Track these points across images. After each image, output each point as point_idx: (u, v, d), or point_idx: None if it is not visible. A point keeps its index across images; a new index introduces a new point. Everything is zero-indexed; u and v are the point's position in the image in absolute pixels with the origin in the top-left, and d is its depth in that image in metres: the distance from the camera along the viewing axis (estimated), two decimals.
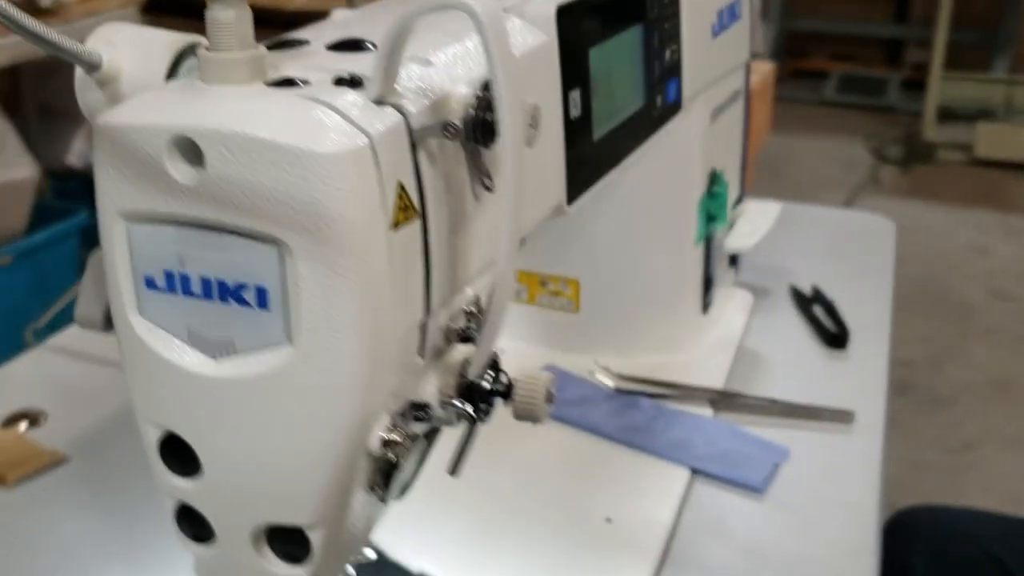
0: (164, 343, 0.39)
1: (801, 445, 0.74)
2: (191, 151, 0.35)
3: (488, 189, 0.43)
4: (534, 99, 0.48)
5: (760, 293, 0.97)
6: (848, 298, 0.94)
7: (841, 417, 0.76)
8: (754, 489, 0.69)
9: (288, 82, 0.38)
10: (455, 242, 0.42)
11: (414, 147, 0.38)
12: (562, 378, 0.81)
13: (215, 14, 0.37)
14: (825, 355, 0.87)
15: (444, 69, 0.42)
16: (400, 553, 0.62)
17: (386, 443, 0.40)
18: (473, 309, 0.46)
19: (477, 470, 0.66)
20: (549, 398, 0.45)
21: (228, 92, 0.37)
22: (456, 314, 0.45)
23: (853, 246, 1.09)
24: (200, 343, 0.39)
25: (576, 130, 0.53)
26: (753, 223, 0.89)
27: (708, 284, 0.87)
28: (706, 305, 0.87)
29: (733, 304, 0.94)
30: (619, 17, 0.58)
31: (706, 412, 0.77)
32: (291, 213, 0.35)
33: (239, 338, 0.38)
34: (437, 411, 0.43)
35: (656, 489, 0.69)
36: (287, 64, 0.40)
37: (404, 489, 0.44)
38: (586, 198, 0.55)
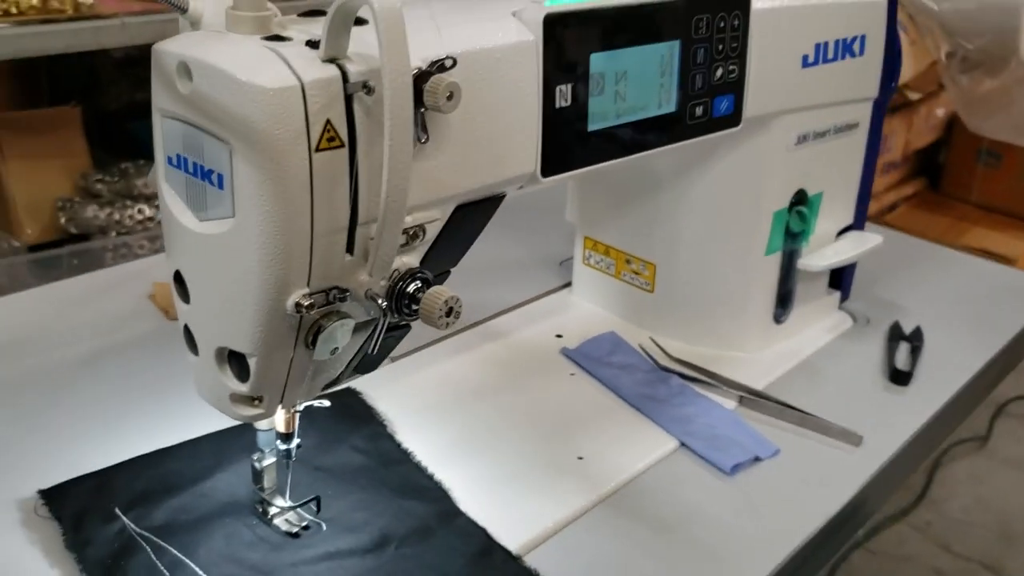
0: (176, 204, 0.57)
1: (797, 451, 0.80)
2: (187, 73, 0.52)
3: (420, 141, 0.56)
4: (506, 83, 0.61)
5: (862, 321, 1.01)
6: (948, 347, 0.96)
7: (849, 437, 0.81)
8: (722, 471, 0.77)
9: (278, 38, 0.54)
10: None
11: (349, 97, 0.53)
12: (616, 344, 0.92)
13: None
14: (883, 388, 0.90)
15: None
16: (404, 437, 0.77)
17: (298, 305, 0.55)
18: (413, 233, 0.60)
19: (501, 392, 0.80)
20: (448, 313, 0.58)
21: (228, 38, 0.53)
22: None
23: (992, 301, 1.08)
24: (192, 207, 0.56)
25: (563, 118, 0.65)
26: (839, 250, 0.94)
27: (786, 297, 0.93)
28: (779, 316, 0.94)
29: (823, 323, 0.99)
30: (643, 33, 0.68)
31: (729, 404, 0.85)
32: (237, 124, 0.51)
33: (210, 207, 0.55)
34: (358, 298, 0.58)
35: (637, 447, 0.79)
36: (291, 26, 0.56)
37: (333, 352, 0.59)
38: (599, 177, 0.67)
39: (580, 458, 0.77)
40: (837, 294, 1.02)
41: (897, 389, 0.90)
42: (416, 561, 0.64)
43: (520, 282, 1.06)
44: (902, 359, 0.94)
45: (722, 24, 0.74)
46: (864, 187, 0.98)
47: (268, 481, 0.67)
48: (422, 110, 0.55)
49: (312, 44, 0.53)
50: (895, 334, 0.98)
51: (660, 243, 0.92)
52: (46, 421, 0.78)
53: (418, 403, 0.82)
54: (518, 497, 0.72)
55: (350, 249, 0.57)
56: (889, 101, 0.99)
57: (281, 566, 0.63)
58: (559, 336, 0.94)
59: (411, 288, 0.59)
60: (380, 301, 0.58)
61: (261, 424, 0.66)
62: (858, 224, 1.00)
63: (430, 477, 0.72)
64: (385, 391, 0.83)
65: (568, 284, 1.04)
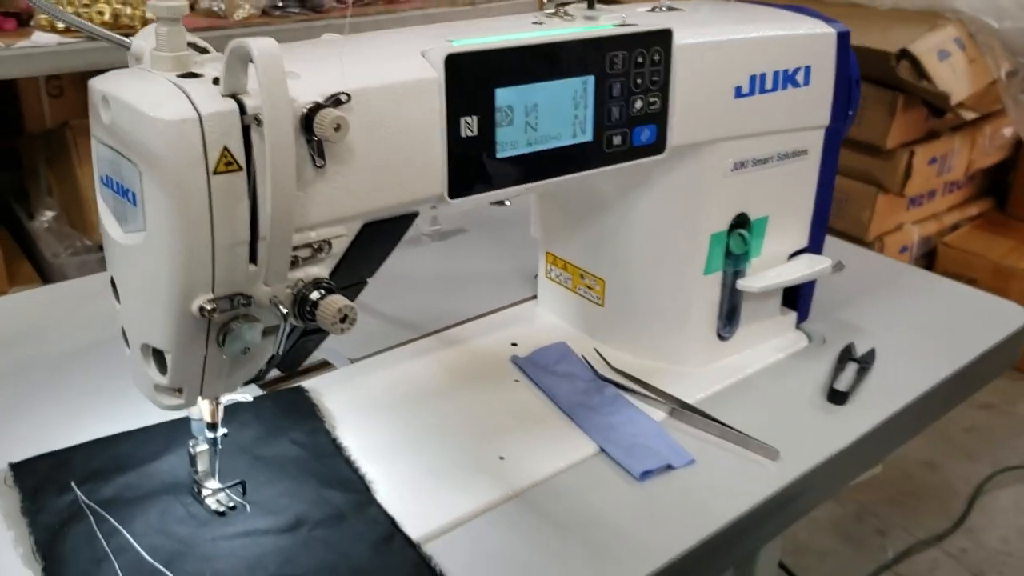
0: (107, 218, 0.65)
1: (712, 462, 0.85)
2: (107, 104, 0.61)
3: (316, 166, 0.64)
4: (408, 115, 0.68)
5: (817, 341, 1.05)
6: (898, 370, 0.99)
7: (766, 452, 0.86)
8: (633, 477, 0.82)
9: (192, 75, 0.62)
10: (296, 196, 0.64)
11: (247, 127, 0.60)
12: (563, 354, 0.98)
13: (157, 28, 0.62)
14: (818, 407, 0.94)
15: (305, 83, 0.63)
16: (342, 433, 0.84)
17: (202, 309, 0.63)
18: (318, 247, 0.67)
19: (444, 396, 0.87)
20: (343, 320, 0.65)
21: (144, 75, 0.61)
22: (300, 247, 0.66)
23: (958, 326, 1.10)
24: (119, 220, 0.64)
25: (470, 146, 0.72)
26: (782, 272, 0.98)
27: (731, 314, 0.98)
28: (724, 333, 0.98)
29: (775, 342, 1.03)
30: (553, 69, 0.74)
31: (659, 415, 0.90)
32: (144, 151, 0.59)
33: (129, 221, 0.63)
34: (263, 304, 0.65)
35: (558, 451, 0.84)
36: (207, 64, 0.64)
37: (244, 352, 0.67)
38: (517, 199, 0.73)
39: (501, 458, 0.83)
40: (793, 314, 1.05)
41: (832, 408, 0.93)
42: (323, 543, 0.71)
43: (492, 293, 1.12)
44: (846, 380, 0.97)
45: (640, 60, 0.80)
46: (819, 211, 1.02)
47: (202, 465, 0.75)
48: (315, 139, 0.63)
49: (217, 81, 0.61)
50: (846, 355, 1.02)
51: (608, 260, 0.98)
52: (29, 406, 0.88)
53: (364, 403, 0.89)
54: (434, 490, 0.79)
55: (253, 260, 0.64)
56: (847, 130, 1.02)
57: (203, 540, 0.71)
58: (514, 344, 1.01)
59: (313, 296, 0.66)
60: (281, 307, 0.65)
61: (194, 414, 0.74)
62: (813, 247, 1.03)
63: (356, 470, 0.79)
64: (335, 390, 0.90)
65: (535, 296, 1.10)
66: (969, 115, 2.70)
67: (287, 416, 0.85)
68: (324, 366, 0.97)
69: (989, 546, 2.25)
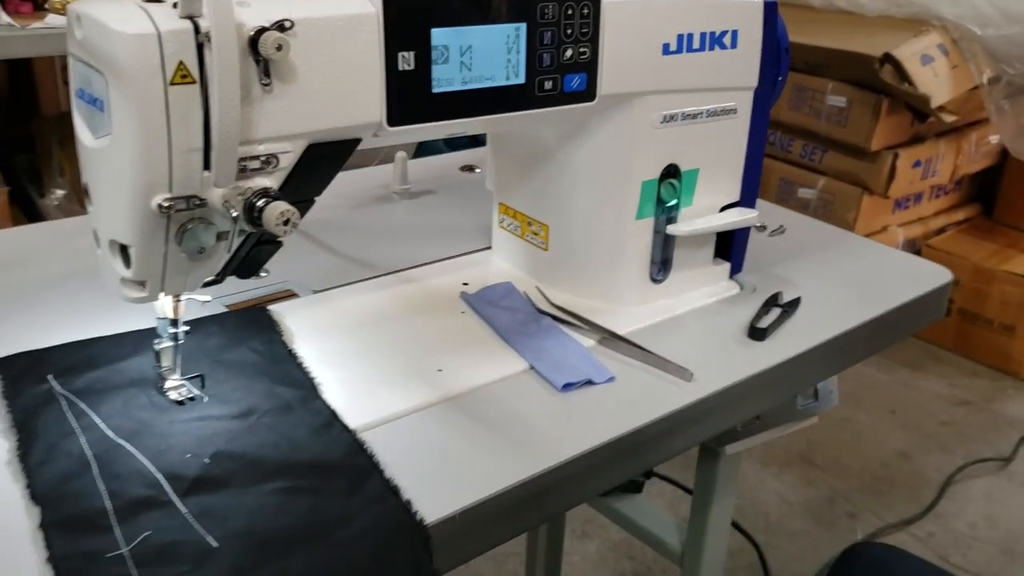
0: (81, 129, 0.75)
1: (630, 380, 0.93)
2: (80, 23, 0.70)
3: (263, 84, 0.73)
4: (348, 46, 0.77)
5: (748, 290, 1.13)
6: (818, 316, 1.07)
7: (681, 373, 0.94)
8: (555, 388, 0.90)
9: (156, 1, 0.71)
10: (245, 111, 0.73)
11: (200, 45, 0.70)
12: (508, 292, 1.06)
13: None
14: (739, 342, 1.02)
15: (255, 10, 0.72)
16: (298, 346, 0.93)
17: (160, 206, 0.72)
18: (266, 159, 0.76)
19: (395, 321, 0.96)
20: (285, 223, 0.74)
21: (116, 1, 0.71)
22: (250, 158, 0.75)
23: (887, 284, 1.18)
24: (90, 128, 0.74)
25: (407, 79, 0.81)
26: (709, 220, 1.07)
27: (665, 260, 1.07)
28: (657, 276, 1.07)
29: (708, 289, 1.11)
30: (485, 15, 0.83)
31: (589, 343, 0.99)
32: (108, 62, 0.68)
33: (98, 128, 0.72)
34: (216, 207, 0.74)
35: (492, 367, 0.93)
36: None
37: (199, 252, 0.76)
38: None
39: (439, 370, 0.92)
40: (726, 265, 1.14)
41: (750, 343, 1.02)
42: (270, 429, 0.80)
43: (452, 243, 1.21)
44: (767, 320, 1.06)
45: (570, 12, 0.89)
46: (751, 168, 1.10)
47: (165, 360, 0.84)
48: (261, 59, 0.72)
49: (176, 6, 0.70)
50: (771, 301, 1.10)
51: (551, 207, 1.07)
52: (17, 314, 0.97)
53: (321, 324, 0.98)
54: (375, 391, 0.87)
55: (207, 166, 0.73)
56: (777, 94, 1.11)
57: (162, 422, 0.80)
58: (465, 284, 1.09)
59: (259, 202, 0.75)
60: (232, 211, 0.74)
61: (158, 314, 0.83)
62: (746, 202, 1.12)
63: (306, 372, 0.88)
64: (296, 314, 0.99)
65: (491, 247, 1.19)
66: (950, 118, 2.77)
67: (248, 329, 0.94)
68: (290, 296, 1.06)
69: (956, 530, 2.31)
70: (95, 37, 0.69)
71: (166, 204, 0.72)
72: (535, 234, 1.09)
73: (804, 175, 3.07)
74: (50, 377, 0.85)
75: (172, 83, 0.69)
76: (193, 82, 0.70)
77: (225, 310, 0.99)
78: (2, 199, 2.37)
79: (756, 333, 1.03)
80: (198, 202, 0.74)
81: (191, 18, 0.70)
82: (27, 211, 2.63)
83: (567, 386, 0.90)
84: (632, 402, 0.90)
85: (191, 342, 0.88)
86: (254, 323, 0.95)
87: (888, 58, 2.71)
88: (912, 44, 2.74)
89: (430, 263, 1.15)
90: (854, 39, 2.87)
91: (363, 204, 1.33)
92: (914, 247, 3.13)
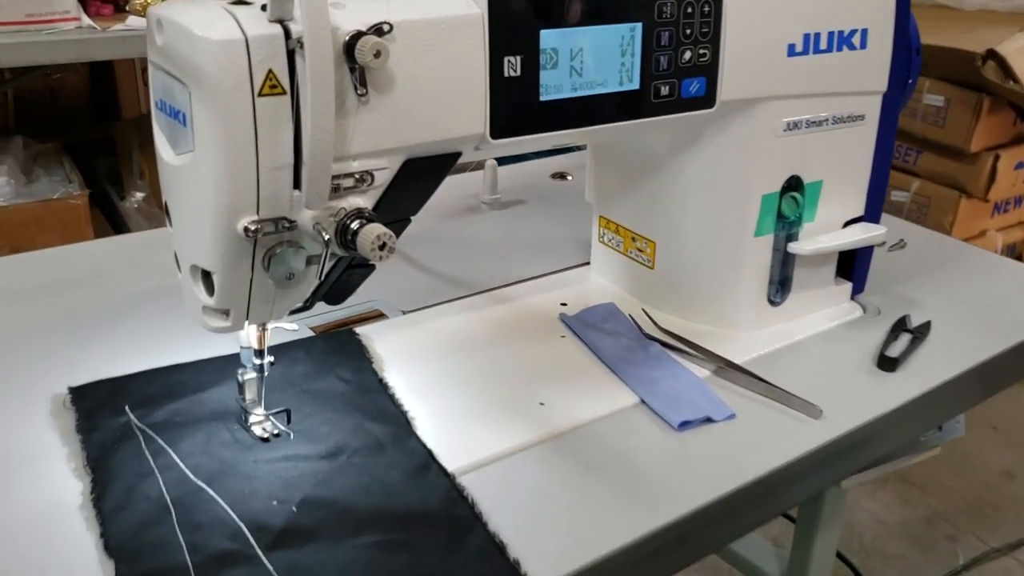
0: (162, 143, 0.68)
1: (753, 418, 0.84)
2: (161, 28, 0.64)
3: (359, 95, 0.66)
4: (451, 51, 0.69)
5: (872, 312, 1.03)
6: (952, 342, 0.97)
7: (809, 410, 0.85)
8: (671, 427, 0.82)
9: (243, 2, 0.65)
10: (339, 124, 0.66)
11: (291, 52, 0.63)
12: (610, 314, 0.98)
13: None
14: (868, 372, 0.92)
15: (350, 12, 0.65)
16: (388, 374, 0.86)
17: (247, 229, 0.65)
18: (361, 177, 0.69)
19: (490, 346, 0.89)
20: (382, 247, 0.66)
21: (199, 2, 0.64)
22: (343, 176, 0.68)
23: (1017, 303, 1.07)
24: (171, 143, 0.67)
25: (513, 87, 0.73)
26: (835, 236, 0.97)
27: (783, 280, 0.97)
28: (775, 298, 0.98)
29: (829, 311, 1.02)
30: (599, 14, 0.75)
31: (703, 372, 0.90)
32: (193, 71, 0.62)
33: (180, 143, 0.66)
34: (306, 230, 0.67)
35: (598, 400, 0.85)
36: None
37: (289, 278, 0.69)
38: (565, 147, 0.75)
39: (541, 404, 0.84)
40: (848, 285, 1.04)
41: (881, 375, 0.92)
42: (361, 470, 0.73)
43: (547, 259, 1.14)
44: (898, 348, 0.96)
45: (690, 10, 0.80)
46: (877, 180, 1.01)
47: (249, 393, 0.78)
48: (357, 67, 0.65)
49: (265, 8, 0.63)
50: (900, 326, 1.00)
51: (659, 222, 0.98)
52: (95, 339, 0.92)
53: (412, 349, 0.91)
54: (473, 428, 0.80)
55: (297, 185, 0.66)
56: (906, 99, 1.01)
57: (245, 462, 0.74)
58: (564, 304, 1.02)
59: (353, 224, 0.68)
60: (323, 233, 0.67)
61: (242, 343, 0.77)
62: (871, 216, 1.02)
63: (398, 406, 0.81)
64: (385, 336, 0.93)
65: (589, 262, 1.11)
66: None
67: (336, 355, 0.87)
68: (378, 316, 0.99)
69: None
70: (177, 43, 0.62)
71: (253, 227, 0.65)
72: (640, 251, 1.01)
73: (897, 177, 2.93)
74: (127, 408, 0.79)
75: (260, 94, 0.63)
76: (283, 93, 0.63)
77: (311, 333, 0.92)
78: (83, 202, 2.36)
79: (887, 363, 0.93)
80: (287, 225, 0.67)
81: (281, 22, 0.63)
82: (108, 214, 2.62)
83: (684, 424, 0.81)
84: (756, 443, 0.81)
85: (276, 370, 0.82)
86: (342, 349, 0.88)
87: (991, 54, 2.56)
88: (1017, 39, 2.58)
89: (524, 281, 1.07)
90: (953, 35, 2.72)
91: (451, 215, 1.26)
92: (1014, 253, 2.96)
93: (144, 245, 1.16)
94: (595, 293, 1.04)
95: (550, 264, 1.12)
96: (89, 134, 2.85)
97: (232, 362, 0.84)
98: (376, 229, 0.67)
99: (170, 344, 0.90)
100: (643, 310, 0.99)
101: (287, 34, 0.62)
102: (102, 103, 2.89)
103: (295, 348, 0.87)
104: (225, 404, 0.80)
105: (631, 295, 1.03)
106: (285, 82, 0.63)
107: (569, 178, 1.40)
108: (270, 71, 0.63)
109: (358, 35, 0.64)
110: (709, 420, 0.83)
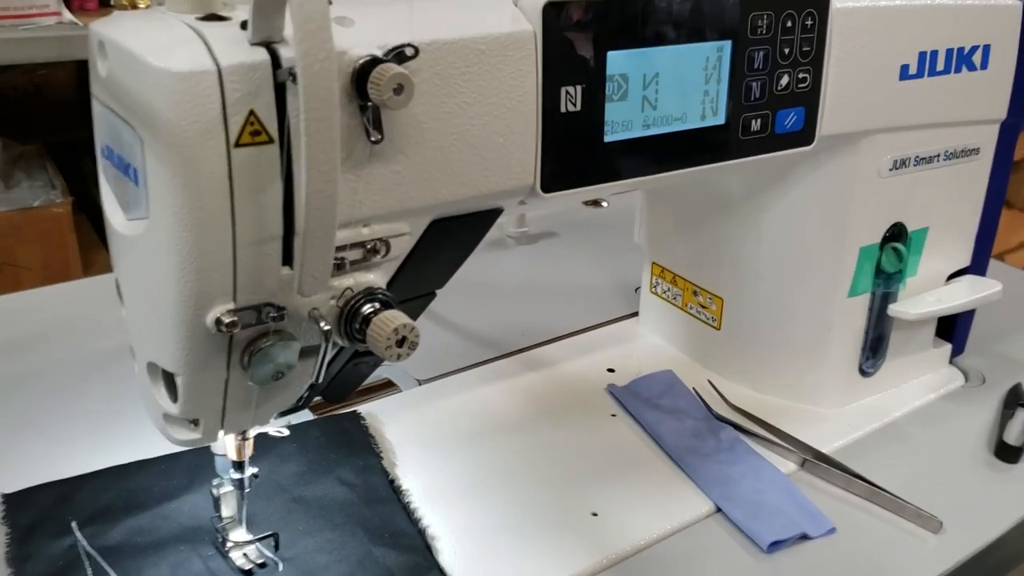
0: (109, 201, 0.52)
1: (858, 532, 0.67)
2: (104, 53, 0.47)
3: (372, 141, 0.49)
4: (493, 80, 0.52)
5: (975, 379, 0.87)
6: None
7: (926, 523, 0.68)
8: (759, 547, 0.65)
9: (215, 17, 0.48)
10: (345, 180, 0.49)
11: (282, 85, 0.46)
12: (669, 385, 0.81)
13: None
14: (984, 464, 0.76)
15: (362, 30, 0.48)
16: (402, 471, 0.69)
17: (219, 322, 0.48)
18: (373, 247, 0.52)
19: (526, 430, 0.72)
20: (400, 343, 0.50)
21: (156, 17, 0.47)
22: (350, 247, 0.51)
23: None
24: (121, 204, 0.50)
25: (571, 124, 0.56)
26: (944, 296, 0.80)
27: (876, 346, 0.80)
28: (867, 368, 0.81)
29: (926, 380, 0.85)
30: (681, 29, 0.58)
31: (788, 467, 0.73)
32: (145, 112, 0.45)
33: (131, 205, 0.49)
34: (299, 318, 0.51)
35: (664, 508, 0.68)
36: (240, 6, 0.49)
37: (276, 378, 0.52)
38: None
39: (594, 514, 0.67)
40: (947, 347, 0.87)
41: (1002, 467, 0.76)
42: None
43: (587, 308, 0.97)
44: (1016, 431, 0.79)
45: (790, 24, 0.63)
46: (987, 224, 0.84)
47: (227, 510, 0.61)
48: (370, 104, 0.48)
49: (246, 26, 0.46)
50: (1013, 399, 0.83)
51: (729, 274, 0.81)
52: (41, 421, 0.75)
53: (430, 434, 0.74)
54: (510, 553, 0.63)
55: (288, 261, 0.49)
56: None
57: None
58: (611, 371, 0.85)
59: (365, 310, 0.51)
60: (322, 323, 0.51)
61: (217, 449, 0.60)
62: (977, 267, 0.85)
63: (415, 522, 0.64)
64: (397, 417, 0.76)
65: (637, 313, 0.94)
66: None
67: (337, 448, 0.70)
68: (387, 386, 0.82)
69: None
70: (124, 75, 0.46)
71: (228, 321, 0.48)
72: (703, 307, 0.84)
73: None
74: (75, 526, 0.62)
75: (238, 144, 0.45)
76: (269, 141, 0.46)
77: (307, 414, 0.75)
78: (66, 210, 2.19)
79: (1007, 452, 0.76)
80: (274, 313, 0.50)
81: (268, 45, 0.46)
82: (95, 220, 2.44)
83: (775, 544, 0.65)
84: (865, 568, 0.64)
85: (263, 469, 0.66)
86: (344, 439, 0.71)
87: None
88: None
89: (562, 338, 0.90)
90: None
91: (474, 252, 1.08)
92: None
93: (105, 291, 0.98)
94: (648, 356, 0.87)
95: (590, 314, 0.95)
96: (75, 133, 2.68)
97: (209, 458, 0.67)
98: (393, 320, 0.50)
99: (134, 428, 0.73)
100: (709, 382, 0.82)
101: (275, 62, 0.45)
102: (87, 103, 2.71)
103: (286, 439, 0.70)
104: (198, 519, 0.64)
105: (691, 358, 0.86)
106: (272, 127, 0.46)
107: (604, 204, 1.23)
108: (251, 113, 0.45)
109: (373, 62, 0.47)
110: (805, 537, 0.66)
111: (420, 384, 0.82)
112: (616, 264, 1.05)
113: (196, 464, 0.68)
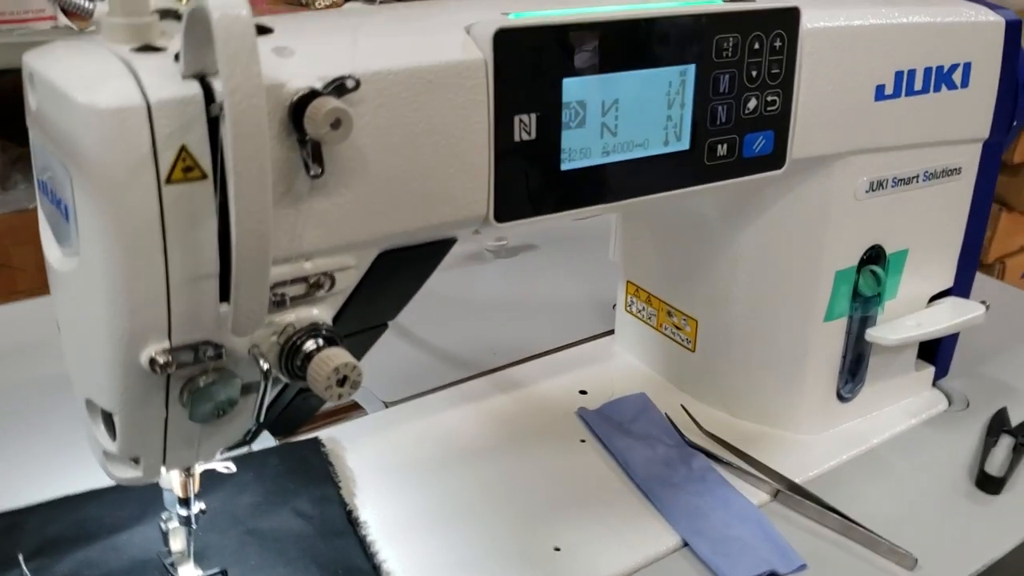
0: (46, 235, 0.50)
1: (829, 569, 0.66)
2: (32, 84, 0.45)
3: (311, 176, 0.47)
4: (442, 110, 0.51)
5: (959, 403, 0.85)
6: None
7: (900, 559, 0.66)
8: None
9: (150, 48, 0.46)
10: (283, 214, 0.47)
11: (215, 119, 0.44)
12: (641, 409, 0.80)
13: None
14: (965, 495, 0.74)
15: (301, 61, 0.47)
16: (361, 501, 0.68)
17: (153, 362, 0.47)
18: (316, 282, 0.50)
19: (491, 457, 0.70)
20: (341, 383, 0.48)
21: (86, 49, 0.46)
22: (290, 282, 0.50)
23: None
24: (57, 239, 0.49)
25: (525, 153, 0.54)
26: (924, 320, 0.78)
27: (855, 370, 0.79)
28: (845, 393, 0.79)
29: (907, 404, 0.83)
30: (640, 54, 0.56)
31: (761, 497, 0.72)
32: (71, 148, 0.43)
33: (63, 242, 0.47)
34: (238, 355, 0.49)
35: (629, 542, 0.66)
36: (178, 35, 0.47)
37: (218, 415, 0.50)
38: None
39: (556, 549, 0.65)
40: (930, 369, 0.85)
41: (983, 499, 0.74)
42: None
43: (563, 324, 0.95)
44: (999, 459, 0.77)
45: (757, 46, 0.61)
46: (970, 245, 0.82)
47: (175, 544, 0.60)
48: (308, 138, 0.46)
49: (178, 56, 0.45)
50: (998, 425, 0.81)
51: (703, 296, 0.79)
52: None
53: (392, 462, 0.73)
54: None
55: (226, 297, 0.48)
56: (1008, 144, 0.82)
57: None
58: (583, 392, 0.83)
59: (307, 347, 0.49)
60: (261, 361, 0.49)
61: (164, 483, 0.58)
62: (960, 289, 0.83)
63: (370, 557, 0.63)
64: (360, 443, 0.74)
65: (613, 331, 0.92)
66: None
67: (295, 477, 0.69)
68: (353, 409, 0.81)
69: None
70: (52, 111, 0.44)
71: (162, 360, 0.46)
72: (677, 328, 0.82)
73: None
74: (21, 559, 0.61)
75: (170, 180, 0.44)
76: (202, 177, 0.45)
77: (269, 440, 0.74)
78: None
79: (988, 483, 0.74)
80: (212, 352, 0.48)
81: (202, 78, 0.44)
82: None
83: None
84: None
85: (217, 500, 0.64)
86: (303, 468, 0.70)
87: None
88: None
89: (535, 357, 0.88)
90: None
91: (448, 266, 1.05)
92: None
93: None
94: (622, 377, 0.85)
95: (567, 331, 0.93)
96: None
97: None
98: (334, 359, 0.48)
99: (86, 456, 0.71)
100: (683, 407, 0.80)
101: (209, 96, 0.44)
102: None
103: (242, 468, 0.68)
104: (149, 551, 0.62)
105: (665, 379, 0.85)
106: (206, 162, 0.44)
107: (599, 214, 1.21)
108: (183, 148, 0.44)
109: (311, 95, 0.45)
110: (774, 574, 0.64)
111: (387, 407, 0.80)
112: (596, 278, 1.03)
113: (150, 495, 0.66)
